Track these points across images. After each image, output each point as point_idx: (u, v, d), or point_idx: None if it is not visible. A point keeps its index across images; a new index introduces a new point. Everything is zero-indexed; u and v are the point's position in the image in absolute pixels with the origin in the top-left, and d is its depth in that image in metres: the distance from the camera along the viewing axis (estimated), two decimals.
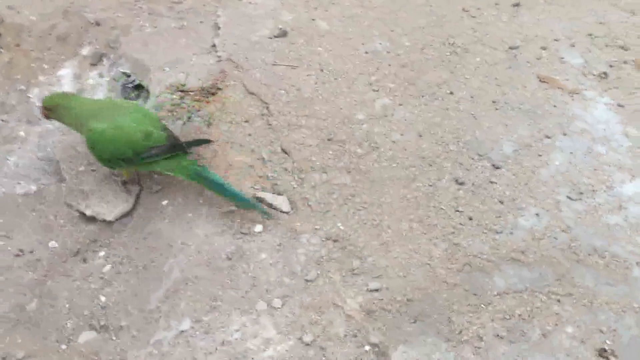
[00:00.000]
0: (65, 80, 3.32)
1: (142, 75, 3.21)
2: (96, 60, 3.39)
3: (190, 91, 2.97)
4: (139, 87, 3.23)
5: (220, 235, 2.30)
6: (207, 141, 2.34)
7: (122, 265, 2.35)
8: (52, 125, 3.05)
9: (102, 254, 2.42)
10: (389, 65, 3.19)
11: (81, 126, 2.35)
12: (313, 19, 3.49)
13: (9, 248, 2.38)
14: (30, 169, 2.81)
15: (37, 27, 3.46)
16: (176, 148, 2.31)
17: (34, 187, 2.58)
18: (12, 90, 3.17)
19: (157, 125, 2.35)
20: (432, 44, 3.36)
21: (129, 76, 3.27)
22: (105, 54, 3.40)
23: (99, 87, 3.33)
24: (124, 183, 2.48)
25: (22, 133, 3.00)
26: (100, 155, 2.31)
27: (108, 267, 2.37)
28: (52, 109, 2.40)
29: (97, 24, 3.51)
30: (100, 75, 3.35)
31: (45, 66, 3.34)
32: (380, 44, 3.34)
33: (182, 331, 2.03)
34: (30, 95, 3.20)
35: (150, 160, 2.31)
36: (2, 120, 3.03)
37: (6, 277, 2.27)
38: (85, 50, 3.42)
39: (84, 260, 2.39)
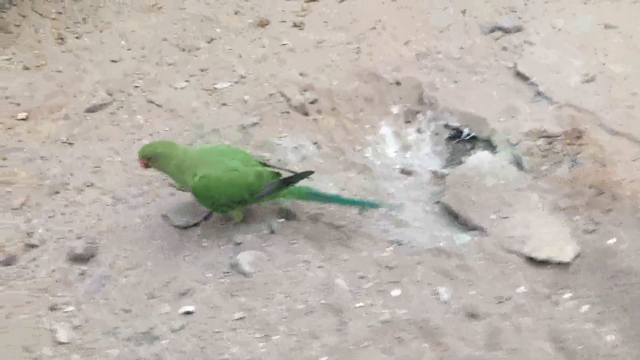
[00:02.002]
0: (387, 138, 3.39)
1: (477, 127, 3.29)
2: (410, 117, 3.47)
3: (555, 136, 3.05)
4: (472, 139, 3.30)
5: None
6: (311, 172, 2.50)
7: (599, 305, 2.37)
8: (411, 179, 3.10)
9: (567, 295, 2.43)
10: None
11: (185, 174, 2.37)
12: (603, 64, 3.64)
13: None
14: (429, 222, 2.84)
15: (343, 91, 3.54)
16: (285, 182, 2.40)
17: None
18: (352, 151, 3.22)
19: (257, 163, 2.44)
20: None
21: (456, 129, 3.35)
22: (418, 111, 3.48)
23: (421, 142, 3.40)
24: (236, 224, 2.53)
25: (392, 190, 3.03)
26: (216, 200, 2.34)
27: (585, 307, 2.38)
28: (152, 158, 2.38)
29: (398, 83, 3.60)
30: (419, 131, 3.42)
31: (367, 126, 3.41)
32: None
33: None
34: (367, 155, 3.25)
35: (263, 197, 2.42)
36: (364, 179, 3.06)
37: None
38: (396, 109, 3.50)
39: (556, 303, 2.40)
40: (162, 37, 4.04)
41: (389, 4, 4.47)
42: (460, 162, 3.21)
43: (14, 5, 4.31)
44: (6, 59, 3.81)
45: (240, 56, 3.85)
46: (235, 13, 4.34)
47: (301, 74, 3.65)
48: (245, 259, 2.34)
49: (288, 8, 4.40)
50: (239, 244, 2.45)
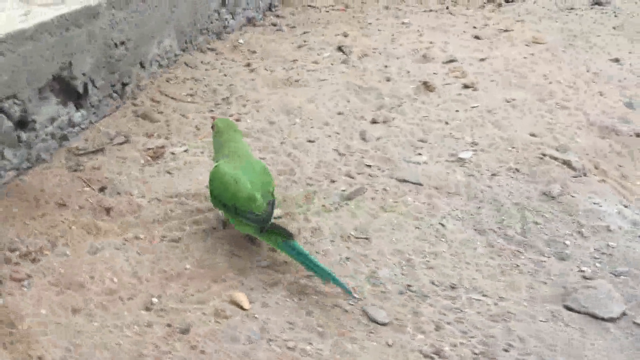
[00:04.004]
0: None
1: None
2: None
3: None
4: None
5: None
6: (291, 236, 2.23)
7: None
8: None
9: None
10: None
11: (216, 156, 2.51)
12: None
13: None
14: None
15: (593, 148, 3.28)
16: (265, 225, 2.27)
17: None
18: None
19: (267, 197, 2.32)
20: None
21: None
22: None
23: None
24: (224, 224, 2.52)
25: None
26: (211, 190, 2.42)
27: None
28: (213, 128, 2.57)
29: (638, 135, 3.40)
30: None
31: (638, 183, 3.14)
32: None
33: None
34: None
35: (243, 220, 2.30)
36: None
37: None
38: None
39: None
40: (336, 111, 3.61)
41: (531, 58, 4.32)
42: None
43: (141, 90, 3.74)
44: (184, 151, 3.22)
45: (447, 123, 3.49)
46: (388, 80, 4.02)
47: (531, 134, 3.35)
48: None
49: (435, 71, 4.14)
50: None
